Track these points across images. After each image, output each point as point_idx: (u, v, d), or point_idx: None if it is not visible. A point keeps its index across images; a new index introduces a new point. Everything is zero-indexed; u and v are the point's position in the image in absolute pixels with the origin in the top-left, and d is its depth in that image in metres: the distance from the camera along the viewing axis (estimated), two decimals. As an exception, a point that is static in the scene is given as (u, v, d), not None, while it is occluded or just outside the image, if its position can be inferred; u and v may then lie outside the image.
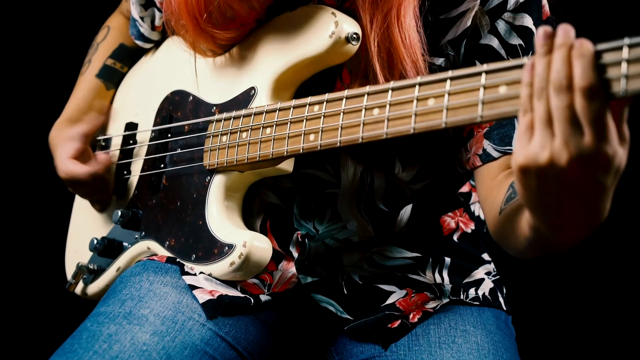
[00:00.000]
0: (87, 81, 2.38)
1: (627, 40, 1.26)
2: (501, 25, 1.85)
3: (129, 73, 2.41)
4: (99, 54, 2.41)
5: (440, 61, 1.88)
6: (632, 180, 2.97)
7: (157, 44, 2.34)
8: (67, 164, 2.22)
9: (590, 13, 2.94)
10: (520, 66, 1.35)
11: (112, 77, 2.39)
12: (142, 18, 2.26)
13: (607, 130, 1.27)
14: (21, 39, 3.52)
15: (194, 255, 1.92)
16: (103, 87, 2.38)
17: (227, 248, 1.84)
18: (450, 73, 1.46)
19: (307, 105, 1.74)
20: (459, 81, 1.45)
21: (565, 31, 1.30)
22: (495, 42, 1.85)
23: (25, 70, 3.53)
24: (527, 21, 1.85)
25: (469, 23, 1.86)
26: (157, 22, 2.25)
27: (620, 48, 1.26)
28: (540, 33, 1.32)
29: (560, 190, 1.34)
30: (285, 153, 1.77)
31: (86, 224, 2.35)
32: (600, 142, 1.27)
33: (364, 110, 1.61)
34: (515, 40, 1.85)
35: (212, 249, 1.87)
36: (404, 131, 1.53)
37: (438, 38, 1.87)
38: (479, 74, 1.41)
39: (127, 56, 2.41)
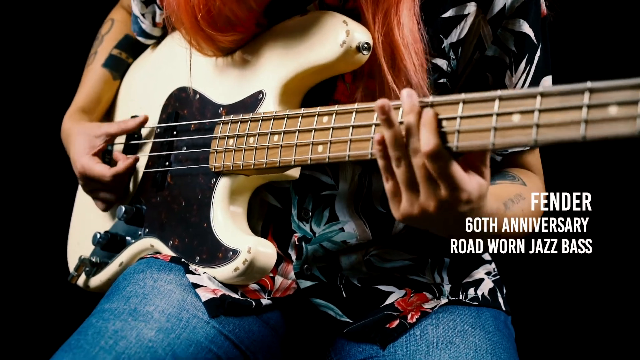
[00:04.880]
0: (94, 71, 2.38)
1: (462, 96, 1.44)
2: (500, 32, 1.89)
3: (132, 65, 2.41)
4: (105, 45, 2.40)
5: (441, 62, 1.90)
6: (632, 181, 3.00)
7: (159, 40, 2.33)
8: (86, 160, 2.19)
9: (587, 9, 2.93)
10: (533, 96, 1.35)
11: (118, 67, 2.39)
12: (143, 15, 2.25)
13: (457, 180, 1.47)
14: (24, 35, 3.49)
15: (198, 257, 1.92)
16: (110, 77, 2.37)
17: (231, 253, 1.85)
18: (463, 96, 1.45)
19: (317, 116, 1.73)
20: (472, 105, 1.44)
21: (409, 96, 1.49)
22: (498, 51, 1.91)
23: (27, 66, 3.50)
24: (524, 27, 1.90)
25: (467, 29, 1.89)
26: (158, 19, 2.24)
27: (457, 102, 1.45)
28: (377, 108, 1.49)
29: (433, 223, 1.58)
30: (293, 162, 1.77)
31: (88, 217, 2.36)
32: (454, 192, 1.48)
33: (374, 127, 1.61)
34: (512, 46, 1.91)
35: (217, 253, 1.88)
36: (413, 151, 1.52)
37: (440, 38, 1.88)
38: (492, 99, 1.41)
39: (132, 47, 2.40)
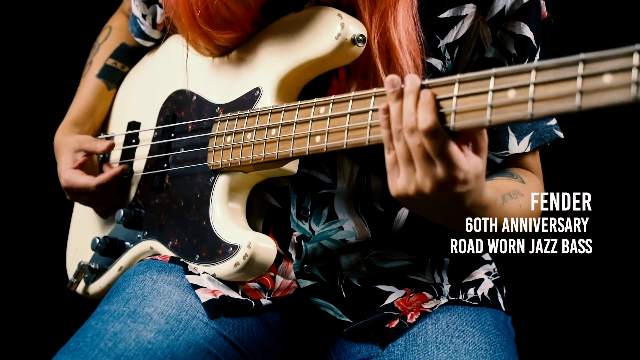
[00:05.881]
0: (88, 82, 2.39)
1: (458, 76, 1.47)
2: (500, 34, 1.90)
3: (130, 72, 2.42)
4: (100, 55, 2.41)
5: (436, 62, 1.90)
6: (632, 181, 3.00)
7: (158, 43, 2.34)
8: (69, 174, 2.22)
9: (588, 11, 2.94)
10: (528, 71, 1.36)
11: (113, 77, 2.40)
12: (144, 16, 2.27)
13: (454, 159, 1.48)
14: (23, 40, 3.51)
15: (198, 256, 1.92)
16: (105, 87, 2.38)
17: (231, 249, 1.85)
18: (458, 76, 1.46)
19: (313, 107, 1.74)
20: (467, 84, 1.44)
21: (412, 80, 1.51)
22: (497, 53, 1.92)
23: (27, 72, 3.52)
24: (524, 30, 1.90)
25: (465, 30, 1.90)
26: (159, 19, 2.26)
27: (452, 83, 1.47)
28: (387, 81, 1.53)
29: (430, 207, 1.60)
30: (291, 154, 1.77)
31: (87, 223, 2.36)
32: (450, 170, 1.49)
33: (370, 112, 1.62)
34: (512, 49, 1.91)
35: (216, 250, 1.88)
36: (412, 134, 1.53)
37: (436, 38, 1.89)
38: (487, 77, 1.42)
39: (128, 56, 2.41)
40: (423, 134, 1.47)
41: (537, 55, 1.93)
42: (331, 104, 1.71)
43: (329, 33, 1.80)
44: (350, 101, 1.66)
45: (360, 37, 1.78)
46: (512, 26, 1.89)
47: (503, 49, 1.91)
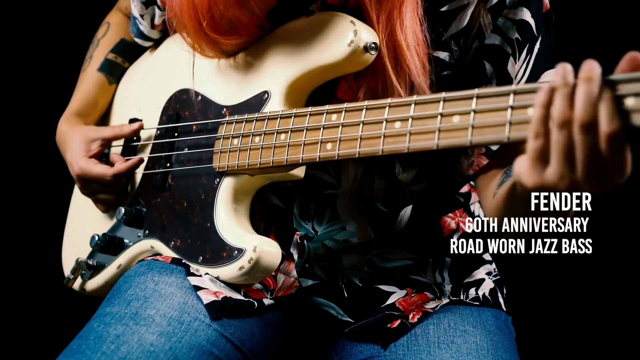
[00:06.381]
0: (90, 75, 2.37)
1: None
2: (502, 22, 1.87)
3: (130, 68, 2.40)
4: (100, 50, 2.40)
5: (444, 55, 1.89)
6: (632, 181, 3.01)
7: (157, 42, 2.33)
8: (84, 162, 2.19)
9: (590, 7, 2.94)
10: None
11: (113, 72, 2.38)
12: (142, 16, 2.25)
13: (626, 164, 1.33)
14: (21, 38, 3.48)
15: (201, 257, 1.91)
16: (106, 81, 2.37)
17: (236, 252, 1.84)
18: (476, 91, 1.45)
19: (325, 114, 1.73)
20: (485, 100, 1.44)
21: (591, 67, 1.31)
22: (498, 40, 1.88)
23: (24, 68, 3.49)
24: (526, 15, 1.87)
25: (467, 19, 1.88)
26: (157, 21, 2.24)
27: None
28: (560, 66, 1.35)
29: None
30: (301, 161, 1.76)
31: (84, 219, 2.34)
32: (620, 176, 1.35)
33: (385, 122, 1.61)
34: (514, 35, 1.88)
35: (221, 252, 1.87)
36: (428, 147, 1.52)
37: (440, 31, 1.88)
38: (507, 93, 1.41)
39: (128, 51, 2.40)
40: (606, 136, 1.31)
41: (537, 44, 1.90)
42: (344, 112, 1.70)
43: (342, 40, 1.79)
44: (364, 110, 1.66)
45: (373, 45, 1.78)
46: (513, 13, 1.86)
47: (505, 36, 1.88)
